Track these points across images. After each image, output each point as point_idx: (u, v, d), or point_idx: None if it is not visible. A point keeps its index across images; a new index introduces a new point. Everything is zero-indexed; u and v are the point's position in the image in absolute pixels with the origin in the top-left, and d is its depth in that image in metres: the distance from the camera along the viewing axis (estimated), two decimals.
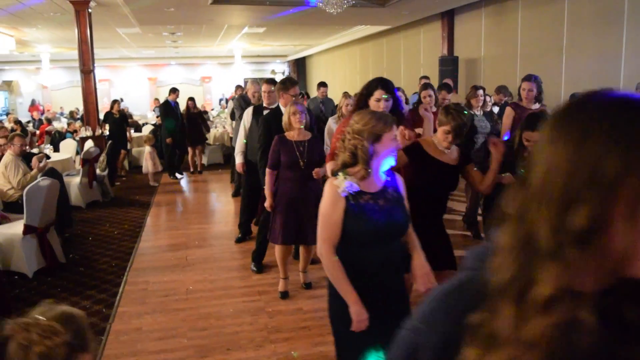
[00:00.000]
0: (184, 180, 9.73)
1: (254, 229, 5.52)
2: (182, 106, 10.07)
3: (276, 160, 3.95)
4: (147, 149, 9.24)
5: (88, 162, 7.46)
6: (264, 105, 5.15)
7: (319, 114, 8.04)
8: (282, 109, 4.44)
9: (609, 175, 0.60)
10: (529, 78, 4.85)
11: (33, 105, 19.98)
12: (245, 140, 5.31)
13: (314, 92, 10.05)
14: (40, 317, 1.33)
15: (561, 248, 0.62)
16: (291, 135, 3.97)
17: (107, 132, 9.60)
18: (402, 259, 2.35)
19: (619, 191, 0.60)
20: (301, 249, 4.40)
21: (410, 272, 2.37)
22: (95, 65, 24.28)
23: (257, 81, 6.50)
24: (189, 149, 10.07)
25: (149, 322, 3.89)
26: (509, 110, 4.95)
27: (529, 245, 0.65)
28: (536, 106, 4.84)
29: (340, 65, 18.99)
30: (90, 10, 9.32)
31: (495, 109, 7.08)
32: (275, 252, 4.29)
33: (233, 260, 5.26)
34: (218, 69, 23.98)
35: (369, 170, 2.19)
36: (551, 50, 8.63)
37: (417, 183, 2.87)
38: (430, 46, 12.30)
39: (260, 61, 23.90)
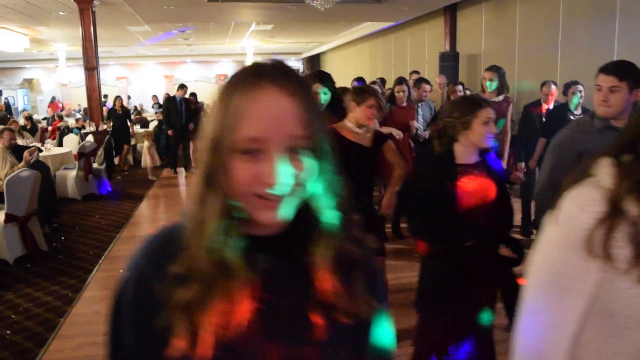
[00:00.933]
0: (182, 175, 9.93)
1: None
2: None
3: None
4: (146, 143, 9.49)
5: (84, 155, 7.70)
6: None
7: None
8: None
9: None
10: (490, 68, 4.86)
11: (52, 103, 20.51)
12: None
13: None
14: None
15: None
16: None
17: (109, 128, 9.87)
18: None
19: None
20: None
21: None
22: (113, 63, 24.72)
23: None
24: (191, 144, 10.26)
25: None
26: None
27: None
28: (499, 98, 4.85)
29: (351, 62, 19.04)
30: (94, 9, 9.61)
31: None
32: None
33: None
34: (233, 67, 24.23)
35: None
36: (547, 45, 8.57)
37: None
38: (434, 42, 12.28)
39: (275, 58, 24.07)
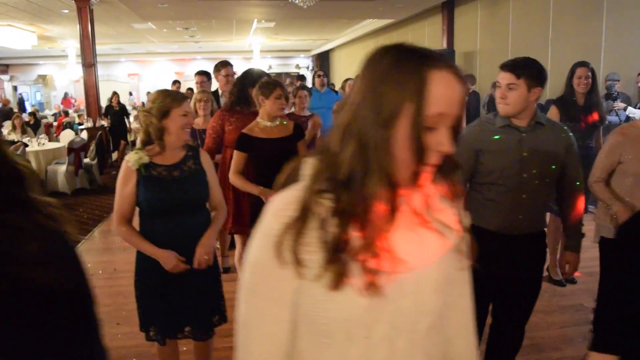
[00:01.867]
0: None
1: None
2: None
3: None
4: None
5: (73, 151, 7.88)
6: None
7: None
8: None
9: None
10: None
11: (65, 99, 20.93)
12: None
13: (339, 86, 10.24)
14: None
15: None
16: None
17: (108, 124, 10.07)
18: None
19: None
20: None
21: None
22: (124, 59, 25.02)
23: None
24: None
25: None
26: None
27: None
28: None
29: (357, 59, 19.00)
30: (91, 7, 9.79)
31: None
32: None
33: None
34: (243, 64, 24.40)
35: (163, 145, 2.33)
36: (538, 42, 8.50)
37: (260, 170, 2.98)
38: (433, 40, 12.22)
39: (284, 56, 24.17)
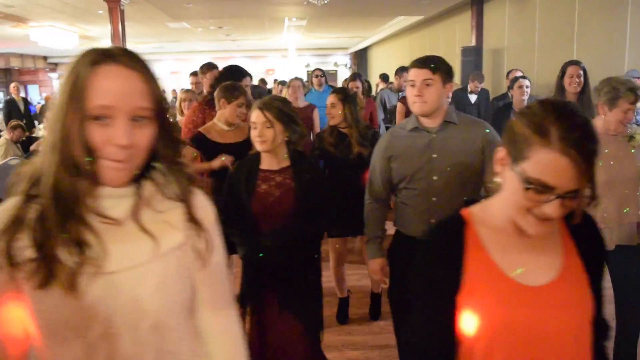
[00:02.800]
0: None
1: None
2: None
3: None
4: None
5: None
6: None
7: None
8: None
9: None
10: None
11: None
12: None
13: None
14: None
15: None
16: None
17: None
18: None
19: None
20: None
21: None
22: (166, 58, 25.61)
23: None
24: None
25: None
26: (399, 107, 4.82)
27: None
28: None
29: (393, 56, 18.90)
30: (122, 7, 10.11)
31: (473, 98, 6.97)
32: None
33: None
34: (281, 61, 24.62)
35: None
36: (564, 38, 8.27)
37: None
38: (463, 36, 12.00)
39: (322, 54, 24.20)
